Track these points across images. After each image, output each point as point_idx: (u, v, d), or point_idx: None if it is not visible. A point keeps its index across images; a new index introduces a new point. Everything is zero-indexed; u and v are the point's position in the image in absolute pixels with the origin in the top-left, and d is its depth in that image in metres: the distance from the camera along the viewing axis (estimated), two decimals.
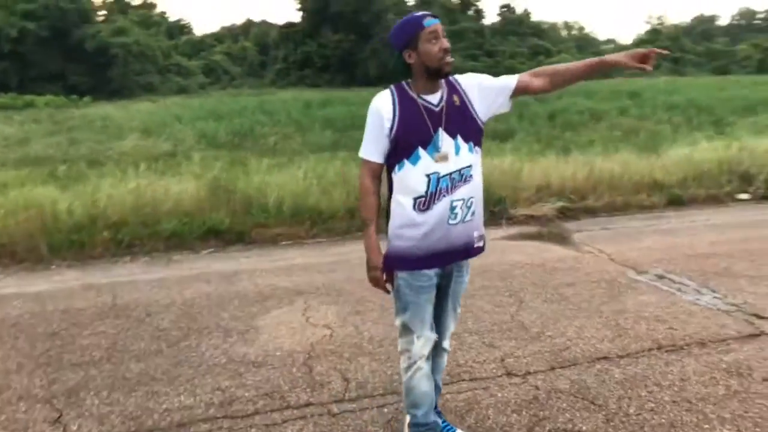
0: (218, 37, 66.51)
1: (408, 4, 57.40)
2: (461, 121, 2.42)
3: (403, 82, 2.46)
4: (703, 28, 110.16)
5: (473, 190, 2.46)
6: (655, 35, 66.69)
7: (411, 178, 2.38)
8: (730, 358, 3.58)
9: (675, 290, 4.72)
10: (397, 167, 2.42)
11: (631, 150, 9.65)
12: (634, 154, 9.19)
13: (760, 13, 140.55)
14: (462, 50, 56.21)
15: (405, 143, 2.37)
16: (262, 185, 7.57)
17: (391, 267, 2.49)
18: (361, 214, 2.54)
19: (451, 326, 2.73)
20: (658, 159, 8.90)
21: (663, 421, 2.98)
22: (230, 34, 70.15)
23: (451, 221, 2.42)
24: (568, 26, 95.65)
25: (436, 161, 2.36)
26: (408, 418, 2.80)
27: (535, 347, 3.79)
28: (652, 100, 22.75)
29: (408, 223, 2.42)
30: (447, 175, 2.38)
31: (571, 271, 5.21)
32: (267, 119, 19.11)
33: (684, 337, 3.87)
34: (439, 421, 2.81)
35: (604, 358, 3.63)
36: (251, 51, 61.16)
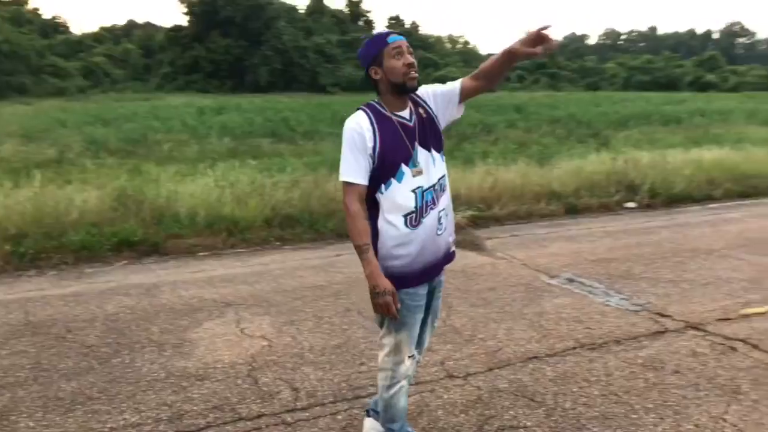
0: (98, 38, 63.12)
1: (299, 12, 57.30)
2: (431, 133, 2.50)
3: (373, 102, 2.49)
4: (575, 46, 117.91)
5: (448, 198, 2.56)
6: None
7: (399, 195, 2.40)
8: (644, 353, 3.94)
9: (586, 293, 5.10)
10: (383, 187, 2.41)
11: (527, 161, 10.20)
12: (530, 166, 9.73)
13: (623, 34, 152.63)
14: (354, 60, 56.83)
15: (389, 162, 2.39)
16: (172, 194, 7.36)
17: None
18: (354, 242, 2.41)
19: (428, 339, 2.82)
20: (552, 170, 9.48)
21: (596, 413, 3.24)
22: (111, 35, 66.81)
23: (438, 232, 2.50)
24: (452, 40, 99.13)
25: (414, 176, 2.42)
26: (367, 423, 2.89)
27: (471, 350, 3.98)
28: (536, 113, 24.10)
29: (403, 242, 2.42)
30: (430, 187, 2.45)
31: (490, 277, 5.49)
32: (160, 125, 18.40)
33: (601, 336, 4.21)
34: (411, 430, 2.90)
35: (535, 357, 3.88)
36: (135, 53, 58.53)
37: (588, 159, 10.33)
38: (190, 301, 4.89)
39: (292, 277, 5.48)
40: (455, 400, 3.37)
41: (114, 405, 3.30)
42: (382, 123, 2.42)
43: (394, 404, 2.62)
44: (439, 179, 2.50)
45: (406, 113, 2.48)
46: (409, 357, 2.58)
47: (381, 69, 2.42)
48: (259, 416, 3.20)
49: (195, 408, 3.26)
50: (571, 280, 5.40)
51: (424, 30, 73.93)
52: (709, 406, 3.29)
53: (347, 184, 2.41)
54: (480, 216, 7.58)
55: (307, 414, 3.22)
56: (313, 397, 3.39)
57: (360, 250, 2.40)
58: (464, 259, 6.07)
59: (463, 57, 74.31)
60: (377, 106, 2.48)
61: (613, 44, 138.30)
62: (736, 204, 8.97)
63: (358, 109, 2.48)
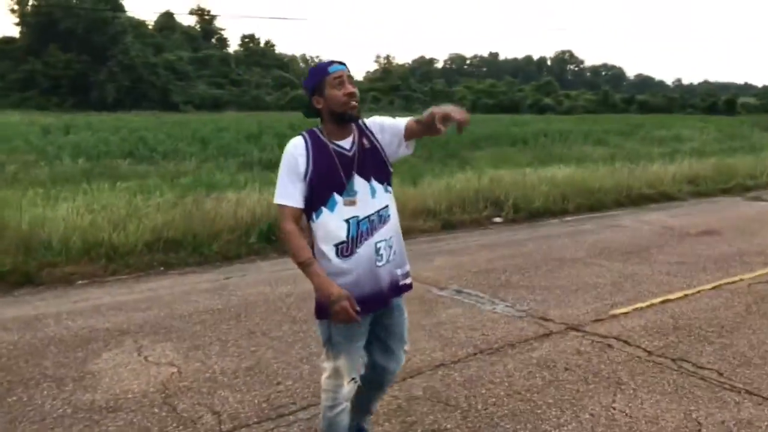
0: None
1: (148, 27, 55.03)
2: (374, 164, 2.53)
3: (315, 129, 2.54)
4: (424, 69, 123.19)
5: (392, 229, 2.57)
6: (386, 74, 73.13)
7: (330, 224, 2.43)
8: (536, 354, 4.32)
9: (474, 302, 5.46)
10: (314, 215, 2.45)
11: (399, 181, 10.58)
12: (404, 185, 10.11)
13: (468, 58, 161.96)
14: (207, 77, 55.50)
15: (320, 189, 2.43)
16: (37, 220, 6.87)
17: (323, 316, 2.48)
18: (296, 260, 2.43)
19: (401, 361, 2.84)
20: (426, 189, 9.95)
21: (506, 411, 3.52)
22: None
23: (378, 263, 2.50)
24: (306, 60, 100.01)
25: (345, 205, 2.44)
26: None
27: None
28: None
29: (335, 272, 2.43)
30: (366, 218, 2.47)
31: None
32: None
33: (497, 341, 4.55)
34: None
35: (442, 365, 4.13)
36: None
37: (455, 178, 10.94)
38: (80, 332, 4.63)
39: (186, 301, 5.34)
40: (377, 410, 3.50)
41: None
42: (317, 150, 2.47)
43: (338, 422, 2.65)
44: (379, 210, 2.51)
45: (346, 142, 2.51)
46: (350, 381, 2.60)
47: (323, 98, 2.47)
48: None
49: None
50: (459, 291, 5.75)
51: (279, 49, 73.75)
52: (599, 397, 3.70)
53: (281, 206, 2.46)
54: None
55: None
56: (236, 419, 3.38)
57: (303, 266, 2.42)
58: None
59: None
60: (318, 132, 2.52)
61: (458, 68, 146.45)
62: (588, 217, 9.95)
63: (299, 133, 2.56)
